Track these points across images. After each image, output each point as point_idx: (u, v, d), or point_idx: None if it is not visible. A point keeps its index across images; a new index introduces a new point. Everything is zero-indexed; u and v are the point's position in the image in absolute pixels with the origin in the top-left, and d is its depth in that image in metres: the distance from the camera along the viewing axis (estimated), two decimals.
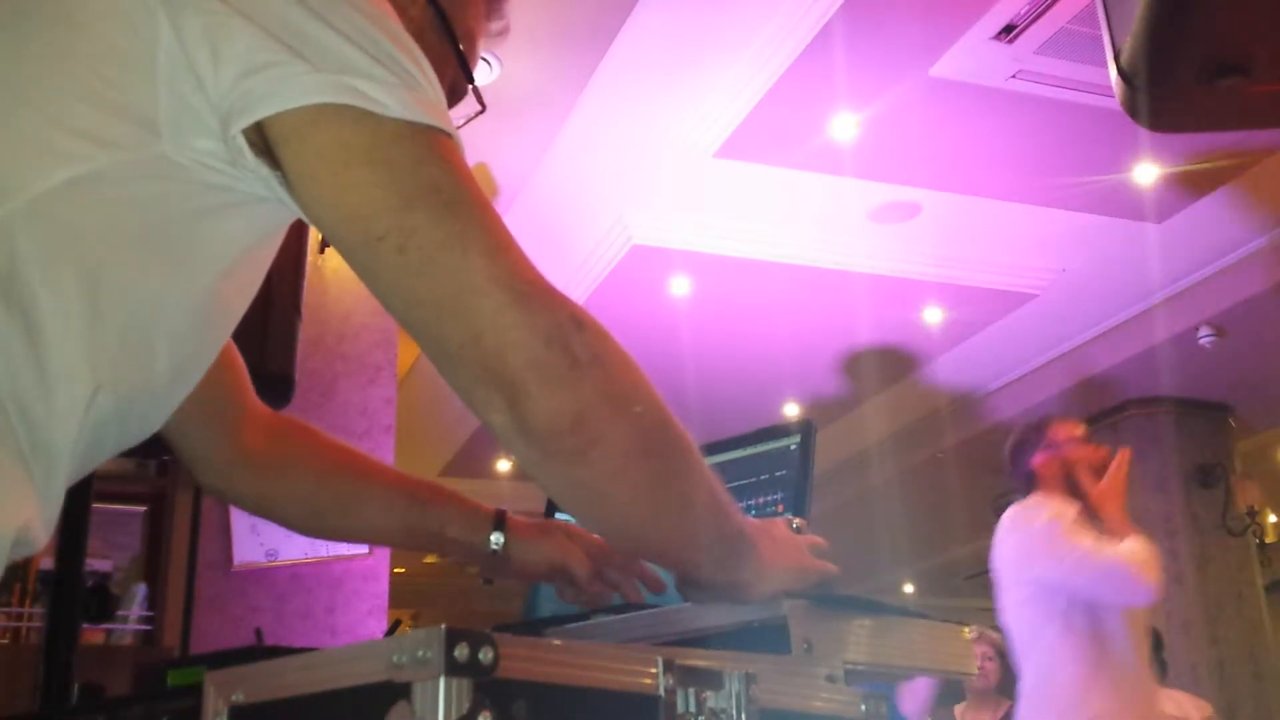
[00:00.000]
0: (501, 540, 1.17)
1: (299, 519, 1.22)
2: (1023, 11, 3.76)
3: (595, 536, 1.20)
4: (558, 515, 1.39)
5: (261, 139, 0.80)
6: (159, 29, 0.78)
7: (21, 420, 0.78)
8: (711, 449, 1.25)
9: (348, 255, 0.82)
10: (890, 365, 6.55)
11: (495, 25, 1.14)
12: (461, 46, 1.06)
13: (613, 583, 1.19)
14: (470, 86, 1.09)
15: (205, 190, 0.83)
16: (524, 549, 1.17)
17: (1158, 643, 4.98)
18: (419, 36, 0.88)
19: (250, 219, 0.87)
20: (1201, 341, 5.82)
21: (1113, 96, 1.48)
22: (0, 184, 0.78)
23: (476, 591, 10.53)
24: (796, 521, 1.05)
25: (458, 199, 0.81)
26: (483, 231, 0.81)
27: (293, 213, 0.86)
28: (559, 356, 0.80)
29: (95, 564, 2.99)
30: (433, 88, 0.84)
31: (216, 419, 1.12)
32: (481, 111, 1.11)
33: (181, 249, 0.85)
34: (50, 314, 0.78)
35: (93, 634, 3.03)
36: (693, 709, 0.75)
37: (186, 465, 1.16)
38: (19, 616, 2.95)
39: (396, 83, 0.80)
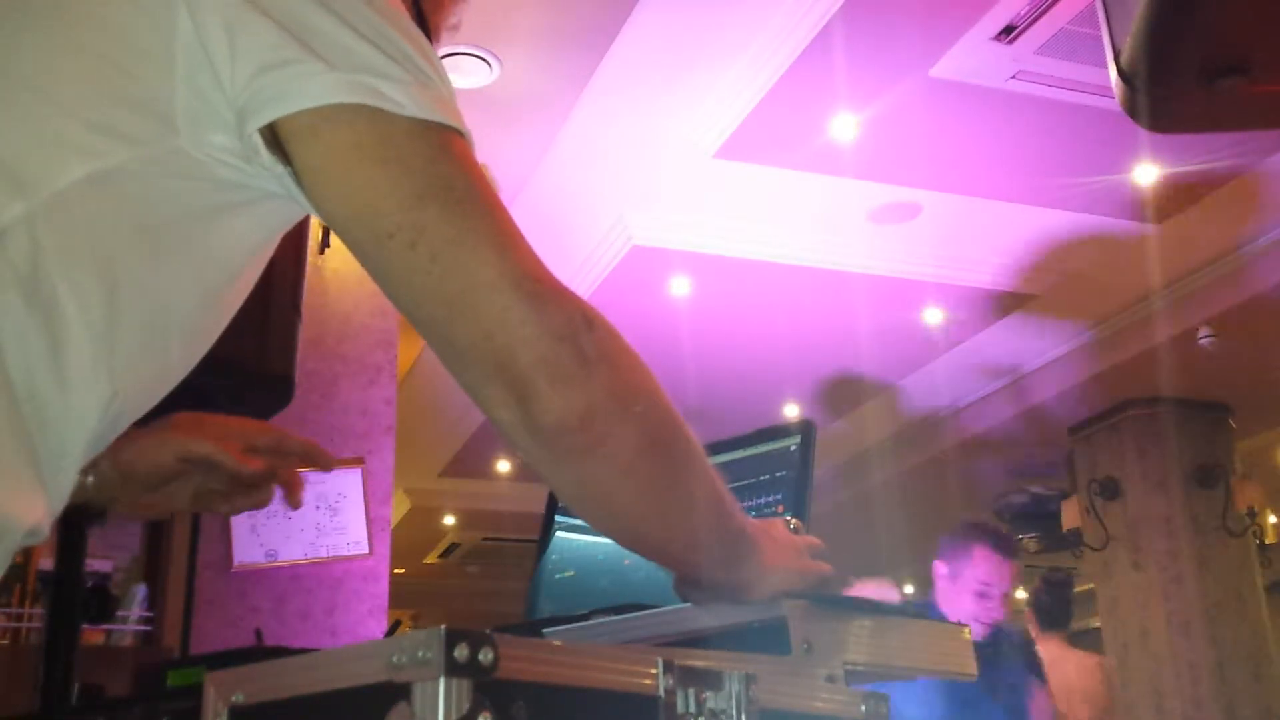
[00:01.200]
0: (101, 460, 1.00)
1: None
2: (1023, 12, 3.76)
3: (229, 418, 1.09)
4: (559, 516, 1.40)
5: (273, 134, 0.80)
6: (178, 22, 0.79)
7: (36, 419, 0.78)
8: (711, 449, 1.24)
9: (358, 252, 0.82)
10: (890, 365, 6.55)
11: (451, 21, 1.14)
12: (427, 16, 1.06)
13: (268, 462, 1.08)
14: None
15: (221, 187, 0.83)
16: (141, 453, 1.04)
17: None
18: None
19: (263, 215, 0.87)
20: (1201, 341, 5.82)
21: (1113, 97, 1.48)
22: (23, 179, 0.78)
23: (477, 592, 10.53)
24: (794, 523, 1.05)
25: (469, 196, 0.81)
26: (494, 229, 0.81)
27: (303, 209, 0.86)
28: (569, 354, 0.80)
29: (95, 564, 2.98)
30: (445, 85, 0.84)
31: None
32: None
33: (197, 246, 0.85)
34: (71, 315, 0.78)
35: (93, 634, 3.03)
36: (692, 709, 0.75)
37: None
38: (19, 617, 2.95)
39: (411, 80, 0.81)
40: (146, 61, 0.79)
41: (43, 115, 0.79)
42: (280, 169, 0.81)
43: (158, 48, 0.79)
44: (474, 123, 0.85)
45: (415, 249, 0.79)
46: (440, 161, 0.81)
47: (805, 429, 1.22)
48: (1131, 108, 1.45)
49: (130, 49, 0.79)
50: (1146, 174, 4.76)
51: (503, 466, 8.08)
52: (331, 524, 3.45)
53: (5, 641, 2.96)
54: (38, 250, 0.77)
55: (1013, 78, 4.08)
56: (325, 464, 1.11)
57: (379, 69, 0.80)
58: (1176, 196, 4.95)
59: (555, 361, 0.80)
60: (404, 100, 0.80)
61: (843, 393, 6.84)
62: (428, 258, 0.79)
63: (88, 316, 0.79)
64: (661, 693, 0.74)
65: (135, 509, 1.10)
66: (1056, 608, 4.92)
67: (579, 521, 1.34)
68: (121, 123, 0.79)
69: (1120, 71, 1.42)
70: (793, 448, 1.21)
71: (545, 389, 0.79)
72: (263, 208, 0.86)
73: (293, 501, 1.10)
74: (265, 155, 0.80)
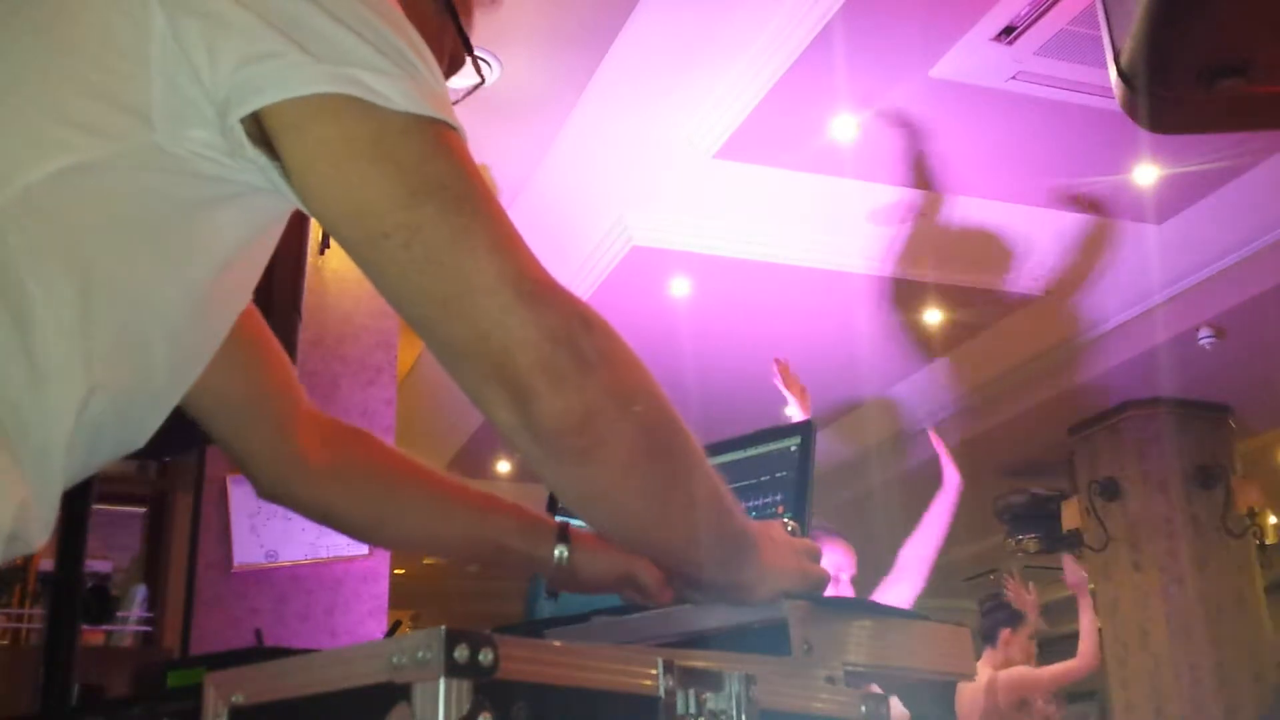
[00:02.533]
0: (566, 553, 1.13)
1: (360, 527, 1.20)
2: (1023, 13, 3.76)
3: None
4: (558, 517, 1.39)
5: (259, 130, 0.79)
6: (152, 19, 0.78)
7: (13, 418, 0.77)
8: (711, 450, 1.24)
9: (351, 251, 0.81)
10: (890, 366, 6.55)
11: None
12: (460, 17, 1.05)
13: (680, 589, 1.15)
14: (470, 57, 1.08)
15: (200, 181, 0.82)
16: (590, 561, 1.13)
17: None
18: (415, 4, 0.86)
19: (246, 211, 0.86)
20: (1201, 343, 5.81)
21: (1112, 98, 1.48)
22: None
23: (476, 592, 10.53)
24: (790, 525, 1.05)
25: (464, 195, 0.80)
26: (490, 228, 0.80)
27: (291, 204, 0.85)
28: (567, 355, 0.79)
29: (95, 565, 2.99)
30: (436, 79, 0.83)
31: (267, 418, 1.09)
32: (480, 84, 1.10)
33: (176, 242, 0.84)
34: (41, 311, 0.77)
35: (93, 635, 3.03)
36: (693, 710, 0.74)
37: (243, 470, 1.13)
38: (19, 617, 2.95)
39: (400, 74, 0.79)
40: (121, 58, 0.78)
41: (15, 110, 0.79)
42: (265, 161, 0.80)
43: (132, 45, 0.78)
44: (474, 123, 0.85)
45: (410, 249, 0.78)
46: (434, 159, 0.80)
47: (805, 429, 1.22)
48: (1131, 108, 1.45)
49: (105, 45, 0.79)
50: (1146, 174, 4.76)
51: (503, 467, 8.07)
52: None
53: (5, 642, 2.96)
54: (5, 246, 0.76)
55: (1013, 78, 4.08)
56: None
57: (366, 61, 0.78)
58: (1176, 196, 4.96)
59: (553, 363, 0.79)
60: (393, 94, 0.78)
61: (843, 393, 6.83)
62: (423, 258, 0.78)
63: (58, 313, 0.78)
64: (662, 693, 0.74)
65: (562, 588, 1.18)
66: (986, 627, 5.10)
67: (579, 522, 1.34)
68: (97, 118, 0.78)
69: (1120, 72, 1.41)
70: (793, 448, 1.21)
71: (544, 390, 0.79)
72: (245, 202, 0.85)
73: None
74: (250, 149, 0.79)
